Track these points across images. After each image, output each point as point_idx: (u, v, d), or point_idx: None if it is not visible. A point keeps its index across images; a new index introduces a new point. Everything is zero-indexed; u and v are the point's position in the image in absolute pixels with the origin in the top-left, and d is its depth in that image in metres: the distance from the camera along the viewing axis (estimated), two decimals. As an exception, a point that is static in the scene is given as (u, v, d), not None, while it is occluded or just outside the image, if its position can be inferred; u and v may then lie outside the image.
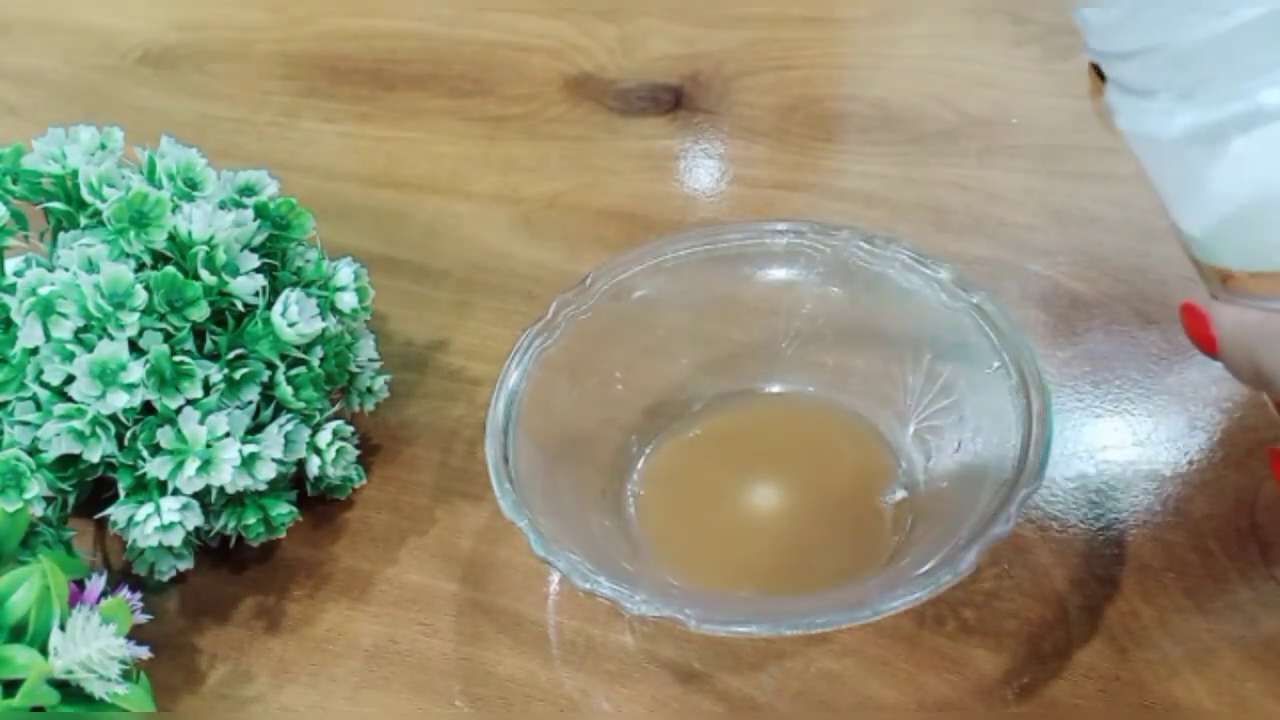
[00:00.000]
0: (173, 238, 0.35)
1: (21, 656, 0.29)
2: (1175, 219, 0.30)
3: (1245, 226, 0.28)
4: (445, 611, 0.38)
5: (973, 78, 0.55)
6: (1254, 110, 0.26)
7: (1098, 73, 0.51)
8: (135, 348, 0.34)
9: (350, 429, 0.39)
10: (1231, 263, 0.29)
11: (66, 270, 0.35)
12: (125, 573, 0.38)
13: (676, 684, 0.35)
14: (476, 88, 0.59)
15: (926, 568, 0.30)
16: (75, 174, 0.37)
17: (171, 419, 0.35)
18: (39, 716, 0.30)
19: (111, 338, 0.34)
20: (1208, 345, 0.30)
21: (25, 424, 0.35)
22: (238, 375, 0.36)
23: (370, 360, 0.41)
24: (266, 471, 0.35)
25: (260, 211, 0.38)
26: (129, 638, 0.31)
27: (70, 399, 0.34)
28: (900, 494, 0.37)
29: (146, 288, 0.34)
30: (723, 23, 0.61)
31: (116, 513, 0.35)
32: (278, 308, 0.36)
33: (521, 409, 0.35)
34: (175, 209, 0.36)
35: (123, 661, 0.31)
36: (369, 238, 0.51)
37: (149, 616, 0.34)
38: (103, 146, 0.39)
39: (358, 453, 0.40)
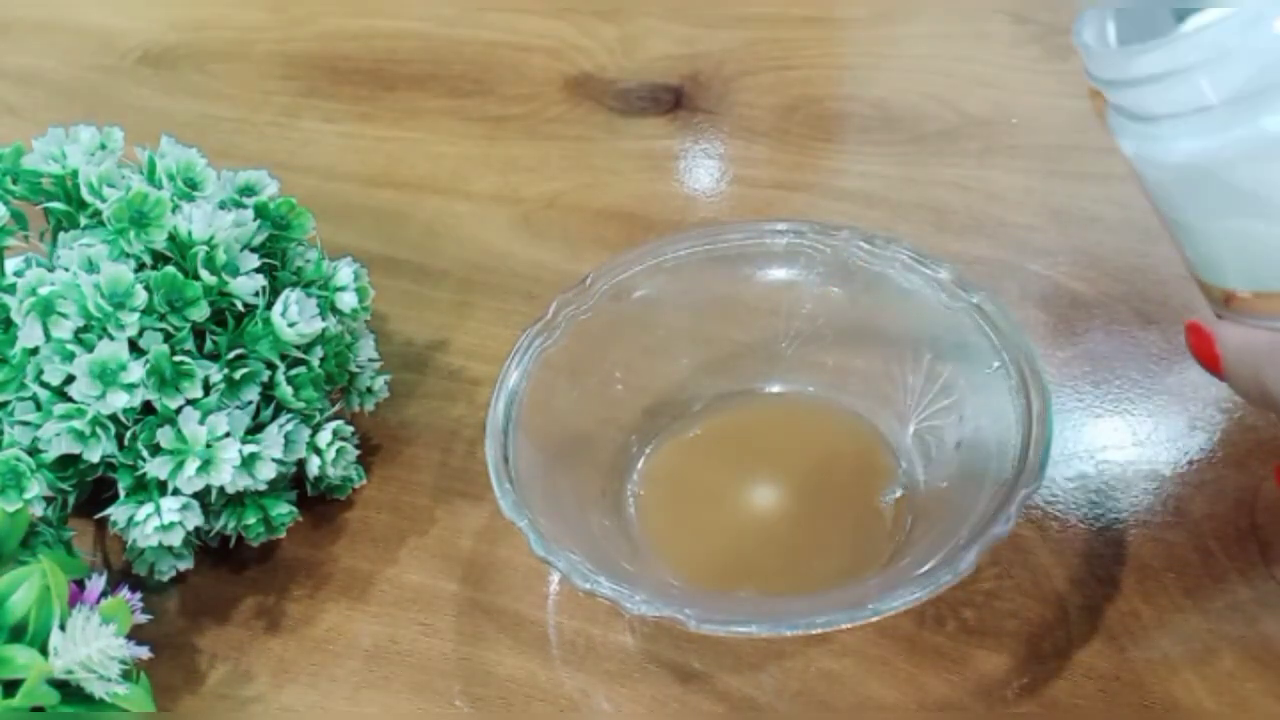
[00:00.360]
0: (173, 238, 0.35)
1: (21, 656, 0.29)
2: (1179, 241, 0.31)
3: (1249, 247, 0.28)
4: (445, 611, 0.38)
5: (973, 78, 0.55)
6: (1255, 136, 0.26)
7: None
8: (135, 348, 0.34)
9: (350, 429, 0.39)
10: (1236, 283, 0.29)
11: (66, 270, 0.35)
12: (125, 573, 0.38)
13: (676, 684, 0.35)
14: (476, 88, 0.59)
15: (926, 568, 0.30)
16: (75, 174, 0.37)
17: (171, 419, 0.35)
18: (39, 716, 0.30)
19: (111, 338, 0.34)
20: (1213, 365, 0.30)
21: (25, 424, 0.35)
22: (238, 375, 0.36)
23: (370, 360, 0.41)
24: (266, 471, 0.35)
25: (260, 211, 0.38)
26: (129, 638, 0.32)
27: (70, 399, 0.34)
28: (898, 492, 0.37)
29: (146, 288, 0.34)
30: (723, 23, 0.61)
31: (116, 513, 0.35)
32: (278, 308, 0.36)
33: (521, 409, 0.35)
34: (175, 209, 0.36)
35: (123, 661, 0.31)
36: (369, 238, 0.51)
37: (149, 616, 0.34)
38: (103, 146, 0.39)
39: (358, 453, 0.40)
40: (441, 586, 0.38)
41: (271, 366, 0.37)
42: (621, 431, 0.39)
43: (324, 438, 0.38)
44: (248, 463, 0.35)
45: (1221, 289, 0.30)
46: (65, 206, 0.38)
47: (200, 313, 0.35)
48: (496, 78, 0.59)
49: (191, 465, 0.34)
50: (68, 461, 0.35)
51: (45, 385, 0.34)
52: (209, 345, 0.36)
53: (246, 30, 0.65)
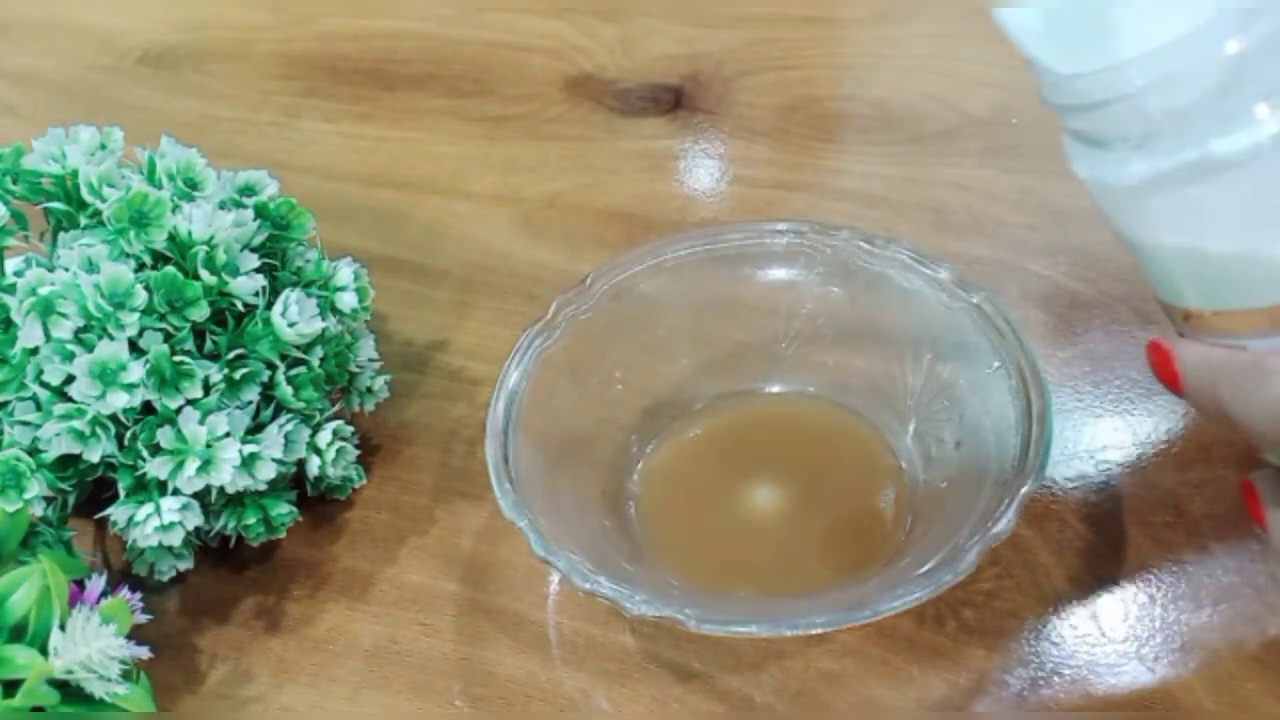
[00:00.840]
0: (173, 238, 0.35)
1: (21, 656, 0.29)
2: (1137, 259, 0.31)
3: (1203, 268, 0.29)
4: (445, 611, 0.38)
5: (973, 78, 0.55)
6: (1205, 159, 0.27)
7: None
8: (135, 348, 0.34)
9: (350, 429, 0.39)
10: (1193, 302, 0.30)
11: (66, 270, 0.35)
12: (125, 573, 0.38)
13: (676, 684, 0.35)
14: (476, 88, 0.59)
15: (926, 568, 0.30)
16: (75, 174, 0.37)
17: (171, 419, 0.35)
18: (39, 716, 0.30)
19: (111, 338, 0.34)
20: (1172, 382, 0.31)
21: (25, 424, 0.35)
22: (238, 375, 0.36)
23: (370, 360, 0.41)
24: (266, 471, 0.35)
25: (260, 211, 0.38)
26: (129, 638, 0.32)
27: (70, 399, 0.34)
28: (898, 491, 0.37)
29: (146, 288, 0.34)
30: (723, 23, 0.61)
31: (116, 513, 0.35)
32: (278, 308, 0.36)
33: (521, 409, 0.35)
34: (175, 209, 0.36)
35: (123, 661, 0.31)
36: (369, 238, 0.51)
37: (149, 616, 0.34)
38: (103, 146, 0.39)
39: (358, 453, 0.40)
40: (441, 586, 0.38)
41: (271, 366, 0.37)
42: (621, 431, 0.39)
43: (324, 438, 0.38)
44: (248, 463, 0.35)
45: (1180, 307, 0.30)
46: (65, 206, 0.38)
47: (200, 313, 0.35)
48: (496, 78, 0.59)
49: (191, 465, 0.34)
50: (68, 461, 0.35)
51: (45, 385, 0.34)
52: (209, 345, 0.36)
53: (246, 30, 0.65)
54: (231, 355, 0.36)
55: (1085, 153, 0.30)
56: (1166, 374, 0.31)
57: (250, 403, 0.36)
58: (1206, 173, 0.27)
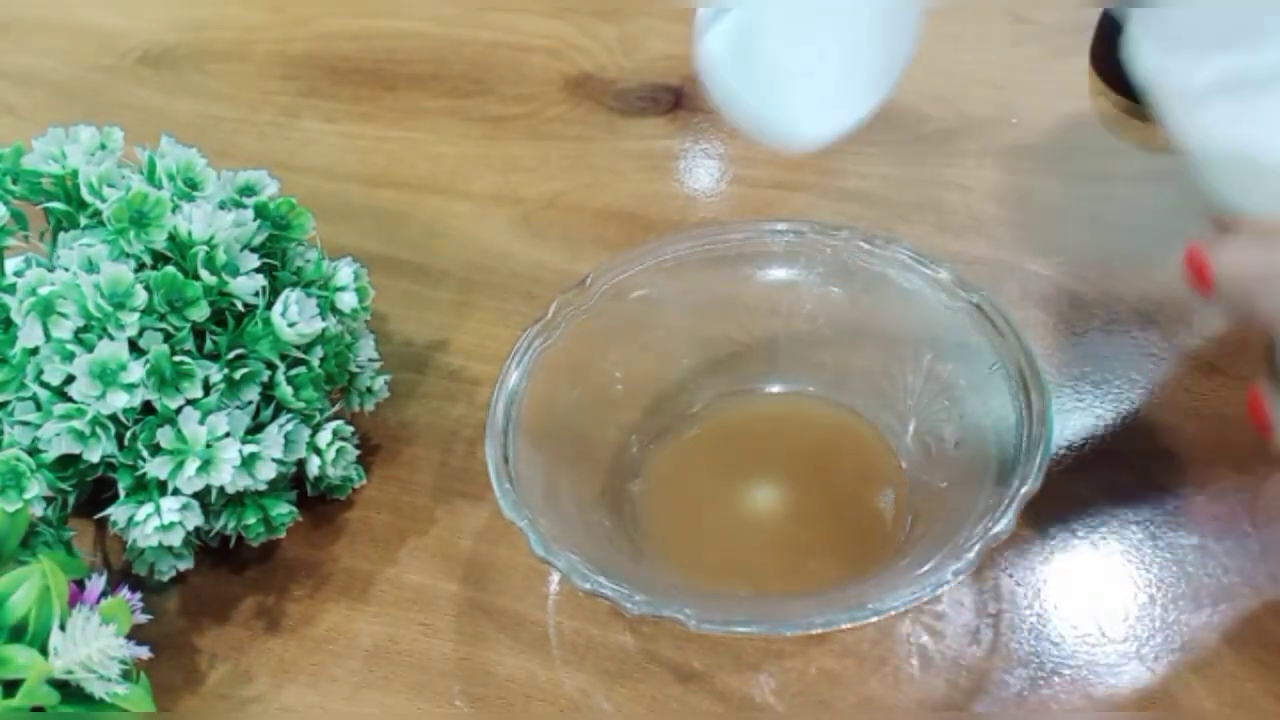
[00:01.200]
0: (173, 238, 0.35)
1: (21, 656, 0.30)
2: (1192, 163, 0.31)
3: (1253, 176, 0.29)
4: (445, 611, 0.38)
5: (973, 78, 0.55)
6: (1273, 69, 0.27)
7: (1097, 73, 0.51)
8: (135, 348, 0.34)
9: (350, 429, 0.39)
10: (1239, 206, 0.30)
11: (66, 270, 0.35)
12: (125, 573, 0.38)
13: (676, 684, 0.35)
14: (476, 88, 0.59)
15: (926, 568, 0.30)
16: (75, 174, 0.37)
17: (171, 419, 0.35)
18: (39, 716, 0.30)
19: (111, 338, 0.34)
20: (1203, 284, 0.31)
21: (25, 424, 0.35)
22: (238, 375, 0.36)
23: (370, 360, 0.41)
24: (266, 471, 0.35)
25: (260, 211, 0.38)
26: (129, 638, 0.32)
27: (70, 399, 0.34)
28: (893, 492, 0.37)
29: (146, 288, 0.34)
30: (723, 23, 0.61)
31: (116, 513, 0.35)
32: (278, 308, 0.36)
33: (521, 409, 0.35)
34: (175, 209, 0.36)
35: (123, 661, 0.31)
36: (369, 238, 0.51)
37: (149, 616, 0.34)
38: (103, 146, 0.39)
39: (358, 453, 0.40)
40: (441, 586, 0.38)
41: (271, 366, 0.37)
42: (621, 431, 0.39)
43: (324, 438, 0.38)
44: (248, 463, 0.35)
45: (1225, 212, 0.30)
46: (65, 206, 0.38)
47: (200, 313, 0.35)
48: (496, 78, 0.59)
49: (191, 465, 0.34)
50: (68, 461, 0.35)
51: (45, 385, 0.34)
52: (209, 345, 0.36)
53: (246, 30, 0.65)
54: (231, 355, 0.36)
55: (1151, 54, 0.30)
56: (1199, 275, 0.31)
57: (250, 403, 0.36)
58: (1272, 84, 0.27)
